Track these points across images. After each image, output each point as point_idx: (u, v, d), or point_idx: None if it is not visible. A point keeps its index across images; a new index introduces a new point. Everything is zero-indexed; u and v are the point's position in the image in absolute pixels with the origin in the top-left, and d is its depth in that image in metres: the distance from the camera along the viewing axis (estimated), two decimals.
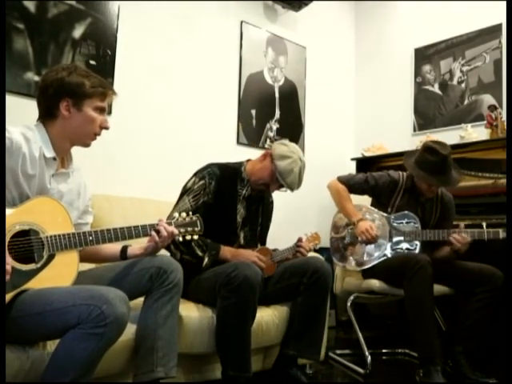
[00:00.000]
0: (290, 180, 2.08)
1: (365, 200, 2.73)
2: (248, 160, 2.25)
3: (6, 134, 1.39)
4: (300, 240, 2.20)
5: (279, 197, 2.55)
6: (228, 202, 2.11)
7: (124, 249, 1.71)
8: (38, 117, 1.56)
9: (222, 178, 2.09)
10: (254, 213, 2.23)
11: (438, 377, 2.09)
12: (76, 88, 1.51)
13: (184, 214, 1.70)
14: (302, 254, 2.17)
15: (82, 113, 1.52)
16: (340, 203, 2.61)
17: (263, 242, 2.33)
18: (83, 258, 1.70)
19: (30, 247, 1.40)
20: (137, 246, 1.71)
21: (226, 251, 2.04)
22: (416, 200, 2.56)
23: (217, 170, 2.11)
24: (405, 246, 2.49)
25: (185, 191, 2.08)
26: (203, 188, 2.05)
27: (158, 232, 1.61)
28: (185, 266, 1.72)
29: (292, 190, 2.13)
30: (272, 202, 2.39)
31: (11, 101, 2.24)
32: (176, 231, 1.64)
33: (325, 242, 2.76)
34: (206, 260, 1.98)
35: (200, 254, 1.99)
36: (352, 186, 2.61)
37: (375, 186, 2.59)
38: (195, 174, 2.13)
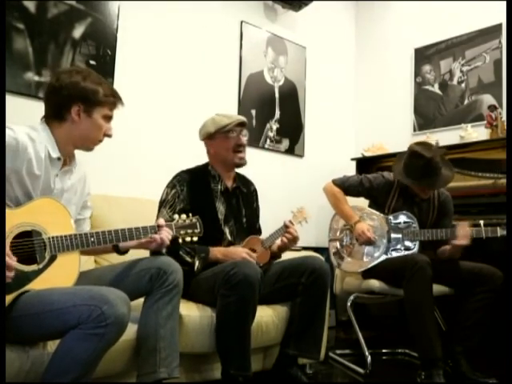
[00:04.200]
0: (231, 123, 2.12)
1: (362, 201, 2.73)
2: None
3: (11, 134, 1.39)
4: (286, 224, 2.17)
5: (279, 196, 2.55)
6: (205, 202, 2.11)
7: None
8: (44, 116, 1.55)
9: (192, 181, 2.12)
10: (235, 206, 2.21)
11: (439, 379, 2.08)
12: (90, 94, 1.52)
13: (184, 216, 1.70)
14: (290, 234, 2.15)
15: (91, 119, 1.54)
16: (337, 206, 2.62)
17: (256, 230, 2.30)
18: None
19: (32, 248, 1.40)
20: None
21: (216, 251, 2.04)
22: (412, 200, 2.55)
23: (185, 175, 2.14)
24: (403, 246, 2.49)
25: (161, 204, 2.09)
26: (177, 196, 2.06)
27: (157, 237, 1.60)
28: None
29: (242, 125, 2.15)
30: (255, 190, 2.37)
31: (11, 101, 2.24)
32: (172, 235, 1.63)
33: (324, 242, 2.77)
34: (197, 264, 1.99)
35: (190, 260, 1.99)
36: (347, 188, 2.62)
37: (370, 188, 2.59)
38: (167, 186, 2.13)
